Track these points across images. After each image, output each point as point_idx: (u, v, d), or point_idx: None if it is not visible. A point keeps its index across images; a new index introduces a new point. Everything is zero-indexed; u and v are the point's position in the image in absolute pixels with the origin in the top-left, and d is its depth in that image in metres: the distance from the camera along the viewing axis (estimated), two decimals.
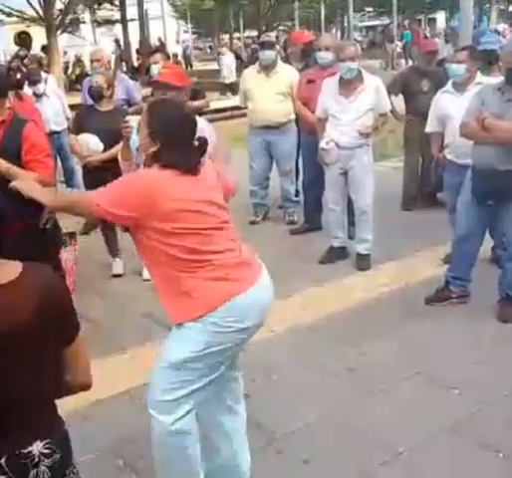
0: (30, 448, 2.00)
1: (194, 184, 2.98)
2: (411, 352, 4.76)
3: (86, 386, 2.25)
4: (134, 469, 3.61)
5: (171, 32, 42.80)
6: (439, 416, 3.96)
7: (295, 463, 3.60)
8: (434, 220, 6.85)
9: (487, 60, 6.35)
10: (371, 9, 55.77)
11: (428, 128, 6.25)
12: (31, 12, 21.58)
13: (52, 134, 7.90)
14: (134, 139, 3.42)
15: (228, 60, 24.39)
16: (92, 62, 7.96)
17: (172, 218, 2.88)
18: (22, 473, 2.00)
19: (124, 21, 28.72)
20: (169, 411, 3.00)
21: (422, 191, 7.97)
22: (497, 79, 5.35)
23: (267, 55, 7.52)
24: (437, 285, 5.54)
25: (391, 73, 18.05)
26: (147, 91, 7.56)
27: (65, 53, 29.25)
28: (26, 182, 3.42)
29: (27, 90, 7.93)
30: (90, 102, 6.56)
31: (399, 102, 7.87)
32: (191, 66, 37.47)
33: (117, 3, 29.11)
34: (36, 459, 2.01)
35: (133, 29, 28.88)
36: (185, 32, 53.51)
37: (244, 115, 8.65)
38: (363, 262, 6.39)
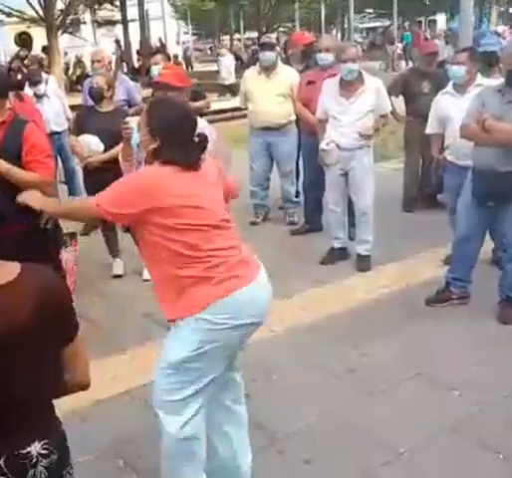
0: (29, 449, 2.00)
1: (195, 180, 2.98)
2: (412, 352, 4.76)
3: (84, 386, 2.25)
4: (135, 469, 3.61)
5: (172, 33, 42.78)
6: (440, 417, 3.97)
7: (296, 463, 3.60)
8: (435, 221, 6.85)
9: (487, 61, 6.35)
10: (371, 10, 55.81)
11: (429, 130, 6.25)
12: (31, 12, 21.57)
13: (52, 135, 7.89)
14: (136, 138, 3.43)
15: (227, 61, 24.39)
16: (93, 62, 7.96)
17: (174, 214, 2.88)
18: (20, 473, 2.00)
19: (124, 21, 28.73)
20: (175, 412, 3.00)
21: (423, 192, 7.97)
22: (497, 80, 5.35)
23: (267, 56, 7.52)
24: (438, 286, 5.55)
25: (392, 74, 18.06)
26: (148, 91, 7.55)
27: (65, 54, 29.24)
28: (28, 194, 3.47)
29: (28, 90, 7.93)
30: (90, 102, 6.56)
31: (400, 103, 7.87)
32: (192, 67, 37.49)
33: (117, 4, 29.13)
34: (34, 460, 2.01)
35: (134, 30, 28.88)
36: (186, 33, 53.54)
37: (245, 116, 8.66)
38: (363, 263, 6.39)
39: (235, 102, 11.07)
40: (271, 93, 7.42)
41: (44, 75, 8.61)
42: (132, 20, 28.78)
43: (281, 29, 48.38)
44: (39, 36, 24.54)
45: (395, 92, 7.78)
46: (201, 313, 2.89)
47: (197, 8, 48.17)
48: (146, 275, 5.29)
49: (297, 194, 8.03)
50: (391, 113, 6.92)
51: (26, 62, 12.49)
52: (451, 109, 5.76)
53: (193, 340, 2.91)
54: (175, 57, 29.15)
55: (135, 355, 4.80)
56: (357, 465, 3.58)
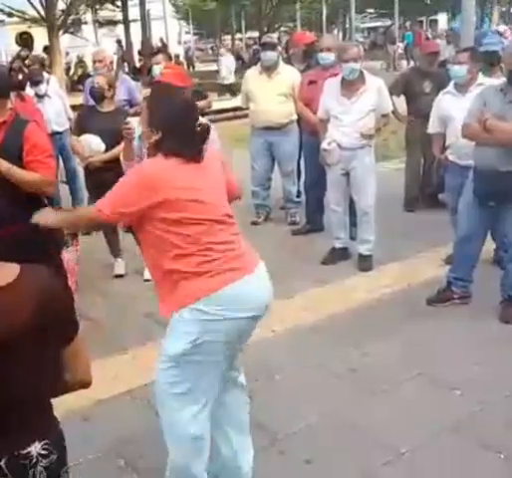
0: (29, 449, 2.00)
1: (198, 174, 2.98)
2: (413, 352, 4.76)
3: (86, 384, 2.25)
4: (136, 469, 3.61)
5: (173, 33, 42.78)
6: (441, 417, 3.96)
7: (297, 463, 3.60)
8: (436, 221, 6.85)
9: (489, 61, 6.35)
10: (372, 10, 55.80)
11: (430, 130, 6.25)
12: (32, 12, 21.58)
13: (54, 135, 7.89)
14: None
15: (227, 61, 24.36)
16: (94, 62, 7.95)
17: (177, 208, 2.88)
18: (21, 474, 2.00)
19: (125, 21, 28.77)
20: (178, 408, 3.00)
21: (424, 192, 7.96)
22: (499, 80, 5.35)
23: (269, 56, 7.52)
24: (439, 286, 5.54)
25: (393, 74, 18.06)
26: (149, 91, 7.55)
27: (67, 53, 29.29)
28: (41, 215, 3.36)
29: (29, 90, 7.93)
30: (91, 102, 6.56)
31: (401, 103, 7.87)
32: (193, 67, 37.50)
33: (118, 3, 29.17)
34: (34, 460, 2.01)
35: (135, 30, 28.91)
36: (187, 33, 53.55)
37: (246, 115, 8.67)
38: (364, 263, 6.39)
39: (235, 101, 11.07)
40: (272, 92, 7.42)
41: (45, 75, 8.59)
42: (134, 20, 28.84)
43: (282, 29, 48.41)
44: (40, 36, 24.56)
45: (397, 91, 7.77)
46: (196, 303, 2.88)
47: (199, 8, 48.19)
48: (148, 275, 5.29)
49: (298, 194, 8.02)
50: (393, 112, 6.92)
51: (27, 62, 12.48)
52: (453, 108, 5.76)
53: (190, 331, 2.90)
54: (177, 57, 29.15)
55: (137, 354, 4.80)
56: (357, 465, 3.58)
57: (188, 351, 2.91)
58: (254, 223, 7.79)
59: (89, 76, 12.31)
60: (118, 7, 30.02)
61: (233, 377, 3.23)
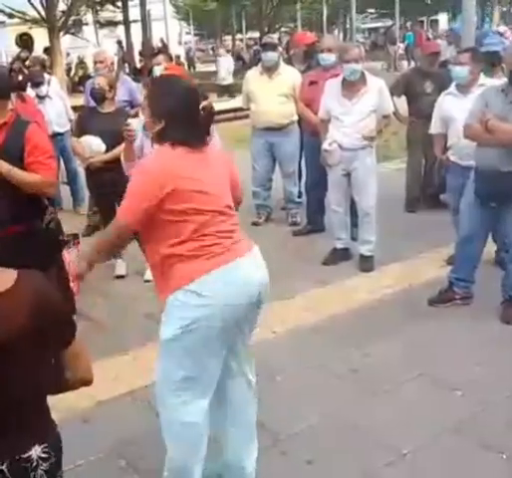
0: (30, 453, 2.02)
1: (202, 165, 2.99)
2: (415, 353, 4.76)
3: (87, 382, 2.26)
4: (137, 470, 3.61)
5: (174, 33, 42.78)
6: (442, 417, 3.96)
7: (299, 464, 3.60)
8: (437, 222, 6.85)
9: (490, 61, 6.34)
10: (373, 10, 55.80)
11: (432, 130, 6.24)
12: (33, 13, 21.58)
13: (55, 136, 7.90)
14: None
15: (226, 62, 24.31)
16: (95, 63, 7.96)
17: (184, 198, 2.89)
18: (22, 477, 2.01)
19: (126, 22, 28.76)
20: (173, 395, 3.02)
21: (425, 193, 7.96)
22: (500, 81, 5.34)
23: (269, 56, 7.52)
24: (441, 286, 5.54)
25: (394, 74, 18.05)
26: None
27: (67, 54, 29.30)
28: (78, 264, 3.30)
29: (30, 92, 7.94)
30: (92, 103, 6.57)
31: (402, 103, 7.87)
32: (194, 67, 37.51)
33: (119, 4, 29.17)
34: (34, 463, 2.03)
35: (136, 30, 28.90)
36: (188, 33, 53.56)
37: (247, 116, 8.67)
38: (366, 263, 6.39)
39: (233, 102, 11.05)
40: (273, 93, 7.42)
41: (46, 76, 8.61)
42: (134, 21, 28.82)
43: (283, 29, 48.42)
44: (40, 37, 24.54)
45: (398, 92, 7.77)
46: (190, 285, 2.89)
47: (199, 8, 48.21)
48: (148, 276, 5.30)
49: (299, 195, 8.02)
50: (394, 113, 6.92)
51: (27, 63, 12.47)
52: (454, 109, 5.76)
53: (184, 316, 2.91)
54: (177, 57, 29.18)
55: (137, 355, 4.80)
56: (359, 466, 3.58)
57: (182, 336, 2.92)
58: (255, 224, 7.79)
59: (89, 77, 12.32)
60: (118, 8, 30.02)
61: (235, 371, 3.22)
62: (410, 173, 8.16)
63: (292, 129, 7.64)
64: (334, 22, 55.00)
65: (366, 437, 3.81)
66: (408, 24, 46.35)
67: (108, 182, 6.02)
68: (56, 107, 8.37)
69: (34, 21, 22.25)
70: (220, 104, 17.20)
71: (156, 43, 33.51)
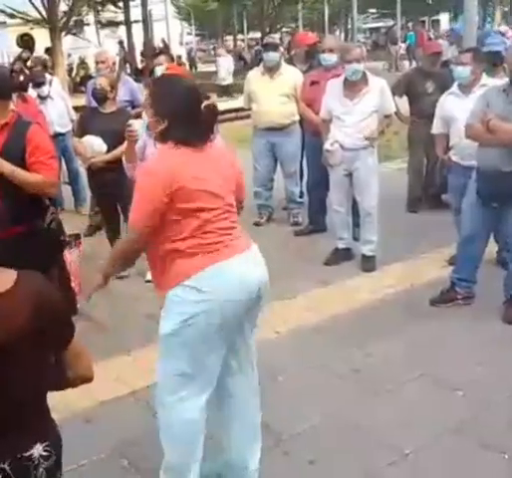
0: (31, 451, 2.03)
1: (206, 164, 3.00)
2: (416, 353, 4.76)
3: (87, 379, 2.28)
4: (139, 470, 3.61)
5: (175, 34, 42.78)
6: (444, 417, 3.96)
7: (301, 464, 3.60)
8: (439, 222, 6.84)
9: (492, 61, 6.34)
10: (374, 10, 55.77)
11: (434, 130, 6.24)
12: (34, 14, 21.58)
13: (56, 136, 7.91)
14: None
15: (225, 62, 24.27)
16: (97, 63, 7.96)
17: (192, 197, 2.90)
18: (24, 476, 2.02)
19: (127, 23, 28.77)
20: (171, 390, 3.03)
21: (427, 193, 7.96)
22: (502, 81, 5.34)
23: (271, 56, 7.53)
24: (442, 286, 5.54)
25: (395, 74, 18.04)
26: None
27: (69, 55, 29.30)
28: (93, 285, 3.30)
29: (31, 92, 7.95)
30: (94, 104, 6.57)
31: (404, 103, 7.86)
32: (196, 67, 37.52)
33: (120, 5, 29.16)
34: (36, 462, 2.04)
35: (137, 31, 28.91)
36: (189, 34, 53.58)
37: (248, 116, 8.67)
38: (367, 263, 6.39)
39: (233, 103, 11.02)
40: (275, 93, 7.42)
41: (47, 76, 8.62)
42: (136, 21, 28.83)
43: (284, 29, 48.39)
44: (41, 37, 24.53)
45: (399, 92, 7.76)
46: (187, 280, 2.90)
47: (200, 8, 48.26)
48: (150, 276, 5.29)
49: (301, 195, 8.02)
50: (395, 113, 6.91)
51: (29, 63, 12.48)
52: (456, 109, 5.75)
53: (183, 311, 2.92)
54: (179, 57, 29.19)
55: (139, 356, 4.80)
56: (361, 466, 3.58)
57: (181, 331, 2.93)
58: (256, 224, 7.79)
59: (91, 77, 12.31)
60: (119, 8, 30.02)
61: (235, 369, 3.22)
62: (412, 173, 8.16)
63: (293, 130, 7.64)
64: (335, 22, 55.00)
65: (367, 437, 3.81)
66: (410, 24, 46.25)
67: (109, 182, 6.03)
68: (57, 107, 8.38)
69: (35, 21, 22.24)
70: (220, 104, 17.19)
71: (158, 43, 33.54)
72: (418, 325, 5.15)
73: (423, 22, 49.22)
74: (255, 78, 7.75)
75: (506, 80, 5.08)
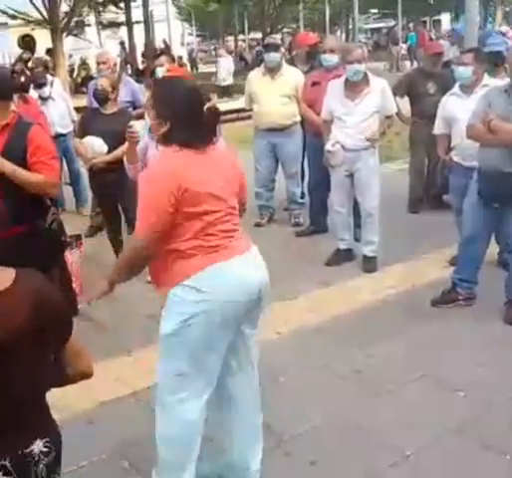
0: (32, 447, 2.04)
1: (209, 167, 2.99)
2: (418, 353, 4.75)
3: (87, 375, 2.29)
4: (140, 471, 3.60)
5: (176, 34, 42.76)
6: (445, 418, 3.96)
7: (302, 465, 3.60)
8: (440, 222, 6.84)
9: (493, 62, 6.33)
10: (375, 11, 55.77)
11: (436, 131, 6.23)
12: (36, 15, 21.59)
13: (58, 137, 7.92)
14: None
15: (225, 62, 24.24)
16: (98, 64, 7.97)
17: (195, 202, 2.90)
18: (25, 472, 2.03)
19: (129, 23, 28.74)
20: (171, 391, 3.03)
21: (428, 193, 7.95)
22: (504, 81, 5.34)
23: (272, 57, 7.53)
24: (444, 287, 5.53)
25: (396, 75, 18.04)
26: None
27: (70, 56, 29.30)
28: (95, 291, 3.29)
29: (33, 93, 7.96)
30: (95, 104, 6.57)
31: (405, 104, 7.86)
32: (197, 68, 37.52)
33: (121, 5, 29.15)
34: (36, 458, 2.05)
35: (139, 31, 28.89)
36: (190, 34, 53.57)
37: (249, 117, 8.67)
38: (369, 264, 6.38)
39: (232, 104, 11.00)
40: (276, 94, 7.42)
41: (49, 77, 8.63)
42: (137, 22, 28.79)
43: (285, 30, 48.42)
44: (42, 38, 24.55)
45: (400, 92, 7.76)
46: (186, 280, 2.91)
47: (201, 9, 48.24)
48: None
49: (302, 195, 8.01)
50: (397, 113, 6.91)
51: (30, 64, 12.49)
52: (458, 109, 5.75)
53: (183, 311, 2.93)
54: (180, 58, 29.17)
55: (139, 356, 4.79)
56: (362, 466, 3.57)
57: (181, 331, 2.94)
58: (258, 224, 7.78)
59: (92, 78, 12.31)
60: (121, 9, 29.99)
61: (235, 370, 3.22)
62: (413, 174, 8.16)
63: (295, 130, 7.64)
64: (336, 22, 55.00)
65: (369, 438, 3.81)
66: (411, 24, 46.24)
67: (110, 183, 6.03)
68: (58, 108, 8.39)
69: (36, 22, 22.26)
70: (221, 104, 17.19)
71: (159, 44, 33.55)
72: (420, 325, 5.15)
73: (425, 22, 49.20)
74: (256, 78, 7.75)
75: (507, 80, 5.08)
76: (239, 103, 8.49)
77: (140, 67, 27.51)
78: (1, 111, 4.25)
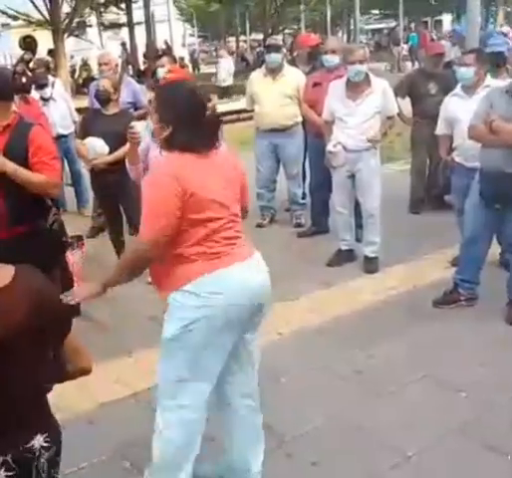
0: (32, 442, 2.06)
1: (213, 171, 2.99)
2: (419, 354, 4.75)
3: (86, 371, 2.30)
4: (141, 471, 3.59)
5: (177, 35, 42.79)
6: (447, 419, 3.95)
7: (304, 466, 3.59)
8: (442, 223, 6.84)
9: (495, 62, 6.33)
10: (377, 12, 55.80)
11: (438, 131, 6.23)
12: (37, 16, 21.60)
13: (59, 138, 7.92)
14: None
15: (226, 63, 24.24)
16: (100, 65, 7.96)
17: (202, 207, 2.89)
18: (27, 467, 2.05)
19: (130, 24, 28.77)
20: (172, 395, 3.03)
21: (430, 194, 7.95)
22: (505, 81, 5.33)
23: (273, 58, 7.52)
24: (445, 287, 5.53)
25: (398, 75, 18.03)
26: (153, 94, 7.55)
27: (71, 57, 29.30)
28: (81, 291, 3.19)
29: (34, 94, 7.96)
30: (97, 105, 6.57)
31: (406, 104, 7.86)
32: (198, 69, 37.54)
33: (123, 6, 29.17)
34: (37, 453, 2.07)
35: (140, 32, 28.91)
36: (191, 35, 53.58)
37: (251, 118, 8.66)
38: (370, 265, 6.38)
39: (232, 104, 11.00)
40: (277, 94, 7.42)
41: (50, 78, 8.63)
42: (138, 23, 28.83)
43: (287, 30, 48.37)
44: (43, 39, 24.55)
45: (402, 93, 7.76)
46: (187, 285, 2.90)
47: (203, 10, 48.23)
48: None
49: (303, 196, 8.01)
50: (398, 114, 6.91)
51: (31, 65, 12.50)
52: (459, 110, 5.74)
53: (184, 317, 2.92)
54: (181, 59, 29.15)
55: (140, 357, 4.79)
56: (364, 467, 3.57)
57: (182, 336, 2.93)
58: (259, 225, 7.78)
59: (93, 79, 12.32)
60: (122, 10, 30.02)
61: (236, 372, 3.21)
62: (415, 174, 8.15)
63: (296, 131, 7.64)
64: (338, 23, 55.01)
65: (370, 439, 3.80)
66: (412, 25, 46.24)
67: (112, 184, 6.03)
68: (60, 109, 8.39)
69: (38, 23, 22.26)
70: (221, 105, 17.21)
71: (160, 45, 33.54)
72: (421, 326, 5.15)
73: (426, 23, 49.21)
74: (257, 79, 7.74)
75: (509, 81, 5.08)
76: (239, 103, 8.48)
77: (142, 68, 27.51)
78: (2, 111, 4.25)
